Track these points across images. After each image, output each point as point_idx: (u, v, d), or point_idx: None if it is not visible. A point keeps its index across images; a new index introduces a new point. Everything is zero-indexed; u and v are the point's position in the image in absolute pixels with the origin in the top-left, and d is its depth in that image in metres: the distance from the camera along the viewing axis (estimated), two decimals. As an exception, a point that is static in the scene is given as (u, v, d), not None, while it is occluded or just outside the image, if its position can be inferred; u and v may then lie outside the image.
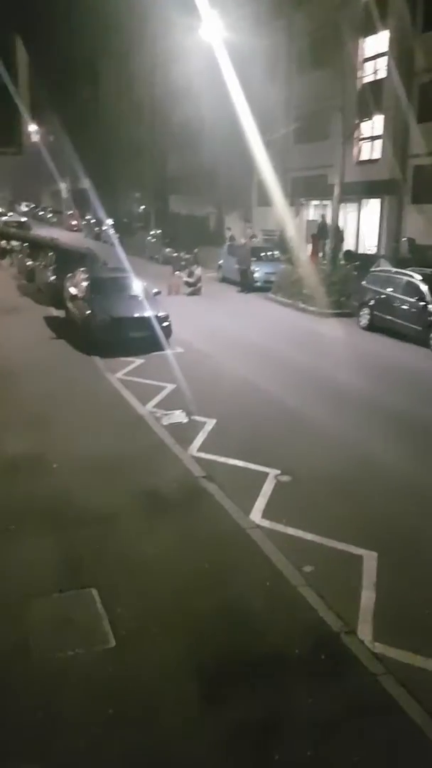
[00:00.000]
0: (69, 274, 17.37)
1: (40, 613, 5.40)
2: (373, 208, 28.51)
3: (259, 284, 24.26)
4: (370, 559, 6.38)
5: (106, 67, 47.92)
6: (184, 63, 32.70)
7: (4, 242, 29.03)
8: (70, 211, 57.31)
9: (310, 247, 25.06)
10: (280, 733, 4.28)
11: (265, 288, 23.75)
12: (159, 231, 38.18)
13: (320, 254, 24.63)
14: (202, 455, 8.85)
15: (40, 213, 67.55)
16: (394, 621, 5.53)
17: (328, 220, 26.01)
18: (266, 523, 7.04)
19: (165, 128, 38.85)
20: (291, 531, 6.92)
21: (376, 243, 28.10)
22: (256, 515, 7.22)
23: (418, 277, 16.53)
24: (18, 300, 21.24)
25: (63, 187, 63.20)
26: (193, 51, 28.47)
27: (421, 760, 4.15)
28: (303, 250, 24.37)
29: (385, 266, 20.17)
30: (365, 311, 17.99)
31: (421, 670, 4.95)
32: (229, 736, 4.25)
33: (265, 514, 7.25)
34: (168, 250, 31.97)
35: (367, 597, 5.82)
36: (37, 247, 23.72)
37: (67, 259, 19.71)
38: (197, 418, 10.33)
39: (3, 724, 4.31)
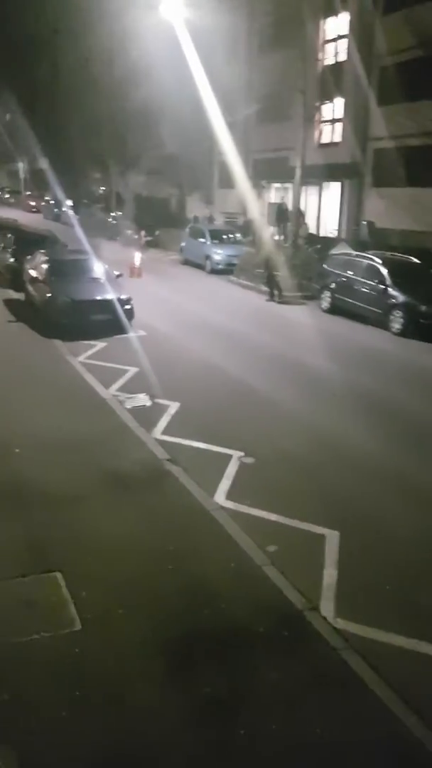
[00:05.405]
0: (28, 257, 17.07)
1: (3, 598, 5.37)
2: (334, 191, 28.65)
3: (221, 267, 24.27)
4: (332, 538, 6.51)
5: (63, 44, 46.81)
6: (144, 41, 32.13)
7: None
8: (29, 192, 56.11)
9: (274, 229, 25.11)
10: (245, 708, 4.37)
11: (226, 270, 23.78)
12: (120, 212, 37.71)
13: (281, 237, 24.73)
14: (166, 438, 8.86)
15: (-2, 193, 66.00)
16: (356, 598, 5.66)
17: (289, 202, 26.07)
18: (230, 505, 7.11)
19: (125, 108, 38.23)
20: (255, 512, 7.00)
21: (336, 226, 28.29)
22: (220, 497, 7.28)
23: (379, 260, 16.74)
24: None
25: (21, 166, 61.77)
26: (154, 29, 28.00)
27: (381, 730, 4.29)
28: (266, 233, 24.39)
29: (344, 249, 20.35)
30: (326, 294, 18.15)
31: (382, 644, 5.10)
32: (195, 713, 4.32)
33: (229, 496, 7.32)
34: (129, 231, 31.65)
35: (330, 575, 5.95)
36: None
37: (27, 241, 19.36)
38: (161, 401, 10.32)
39: (-32, 709, 4.29)
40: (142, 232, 29.21)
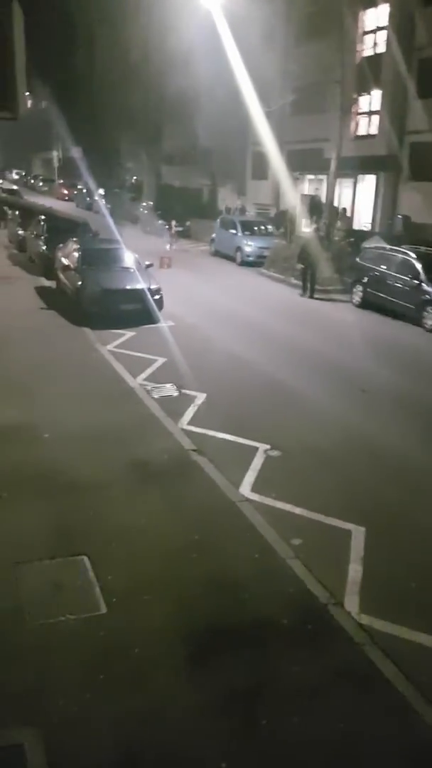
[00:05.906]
0: (60, 245, 17.21)
1: (32, 579, 5.45)
2: (368, 184, 28.30)
3: (251, 259, 24.18)
4: (358, 534, 6.48)
5: (100, 33, 46.85)
6: (181, 30, 32.02)
7: (6, 207, 28.75)
8: (62, 180, 56.49)
9: (307, 222, 24.88)
10: (267, 699, 4.38)
11: (257, 263, 23.69)
12: (151, 202, 37.75)
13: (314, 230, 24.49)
14: (193, 429, 8.88)
15: (32, 181, 66.52)
16: (381, 594, 5.63)
17: (323, 194, 25.80)
18: (256, 497, 7.11)
19: (160, 97, 38.19)
20: (280, 505, 6.99)
21: (370, 220, 27.97)
22: (245, 489, 7.28)
23: (413, 255, 16.50)
24: (9, 270, 21.00)
25: (54, 155, 62.16)
26: (191, 18, 27.89)
27: (403, 727, 4.27)
28: (300, 226, 24.22)
29: (378, 243, 20.10)
30: (358, 288, 17.97)
31: (406, 641, 5.06)
32: (217, 701, 4.34)
33: (255, 488, 7.32)
34: (160, 222, 31.69)
35: (355, 570, 5.92)
36: (29, 216, 23.44)
37: (59, 229, 19.52)
38: (188, 391, 10.35)
39: (-5, 687, 4.37)
40: (173, 223, 29.24)
